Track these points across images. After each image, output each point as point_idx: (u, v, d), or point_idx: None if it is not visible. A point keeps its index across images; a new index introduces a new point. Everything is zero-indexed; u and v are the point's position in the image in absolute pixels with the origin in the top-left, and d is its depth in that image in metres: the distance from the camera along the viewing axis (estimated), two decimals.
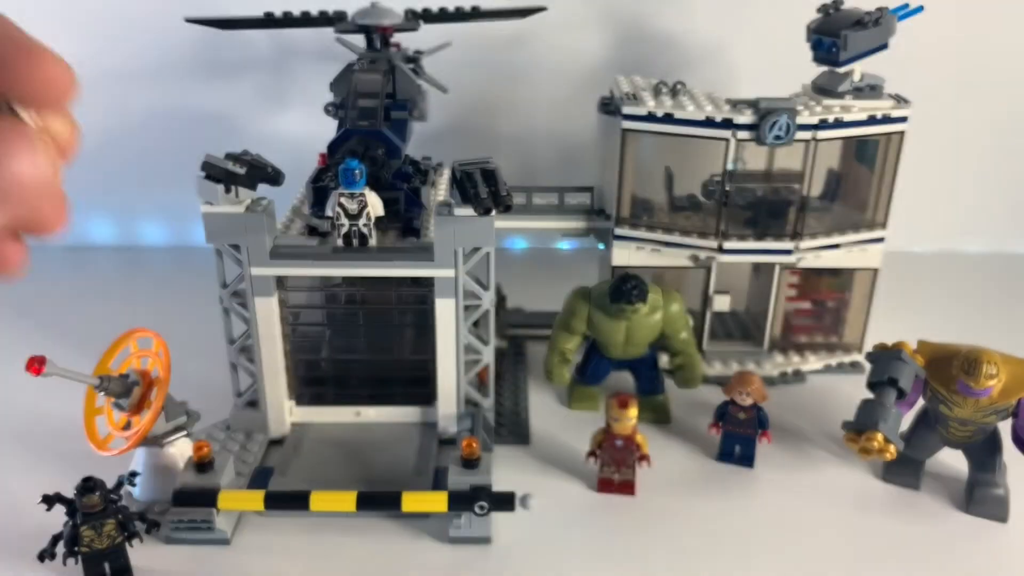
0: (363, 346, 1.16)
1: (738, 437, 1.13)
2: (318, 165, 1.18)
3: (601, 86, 1.40)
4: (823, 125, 1.18)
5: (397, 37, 1.20)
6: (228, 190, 1.03)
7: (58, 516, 0.90)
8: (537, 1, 1.30)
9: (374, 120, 1.10)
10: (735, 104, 1.20)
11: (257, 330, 1.10)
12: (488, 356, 1.14)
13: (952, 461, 1.11)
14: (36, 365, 0.89)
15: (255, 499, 0.98)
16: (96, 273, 1.73)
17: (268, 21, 1.22)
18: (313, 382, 1.18)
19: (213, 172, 1.02)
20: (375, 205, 1.05)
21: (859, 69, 1.22)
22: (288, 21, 1.21)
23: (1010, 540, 1.02)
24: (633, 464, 1.07)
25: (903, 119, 1.22)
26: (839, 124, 1.19)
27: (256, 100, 1.68)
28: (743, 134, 1.17)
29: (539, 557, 0.98)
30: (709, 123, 1.18)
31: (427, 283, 1.09)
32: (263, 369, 1.13)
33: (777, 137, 1.16)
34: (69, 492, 0.90)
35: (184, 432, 1.04)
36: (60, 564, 0.90)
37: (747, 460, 1.13)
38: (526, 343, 1.42)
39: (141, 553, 0.95)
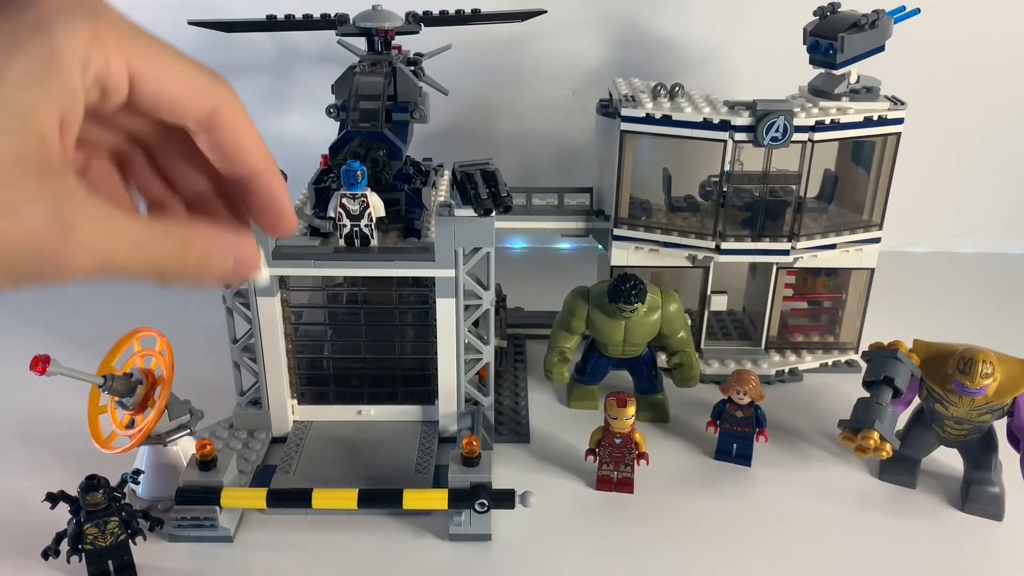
0: (364, 345, 1.17)
1: (735, 435, 1.14)
2: (320, 166, 1.19)
3: (600, 88, 1.41)
4: (820, 127, 1.19)
5: (398, 40, 1.21)
6: None
7: (62, 514, 0.91)
8: (537, 4, 1.31)
9: (375, 122, 1.11)
10: (732, 106, 1.21)
11: (260, 330, 1.11)
12: (488, 355, 1.15)
13: (948, 460, 1.12)
14: (40, 364, 0.90)
15: (258, 497, 0.99)
16: None
17: (270, 24, 1.23)
18: (315, 381, 1.19)
19: None
20: (376, 206, 1.06)
21: (856, 71, 1.23)
22: (290, 24, 1.22)
23: (1005, 538, 1.03)
24: (632, 462, 1.08)
25: (899, 121, 1.23)
26: (835, 126, 1.20)
27: (258, 102, 1.69)
28: (740, 136, 1.18)
29: (539, 554, 0.99)
30: (707, 125, 1.19)
31: (428, 283, 1.11)
32: (266, 368, 1.14)
33: (774, 139, 1.17)
34: (73, 490, 0.91)
35: (187, 431, 1.05)
36: (64, 562, 0.91)
37: (744, 458, 1.14)
38: (526, 342, 1.43)
39: (144, 551, 0.96)
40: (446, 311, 1.10)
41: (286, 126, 1.70)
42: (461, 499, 0.97)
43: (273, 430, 1.17)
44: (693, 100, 1.23)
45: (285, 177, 1.17)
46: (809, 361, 1.37)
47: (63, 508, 0.90)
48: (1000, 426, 1.05)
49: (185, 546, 0.99)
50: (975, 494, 1.06)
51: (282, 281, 1.11)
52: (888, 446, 1.00)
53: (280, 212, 0.43)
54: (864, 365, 1.09)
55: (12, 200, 0.31)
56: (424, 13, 1.24)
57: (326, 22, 1.21)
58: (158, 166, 0.44)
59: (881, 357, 1.05)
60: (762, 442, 1.14)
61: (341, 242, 1.07)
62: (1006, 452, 1.05)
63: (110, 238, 0.35)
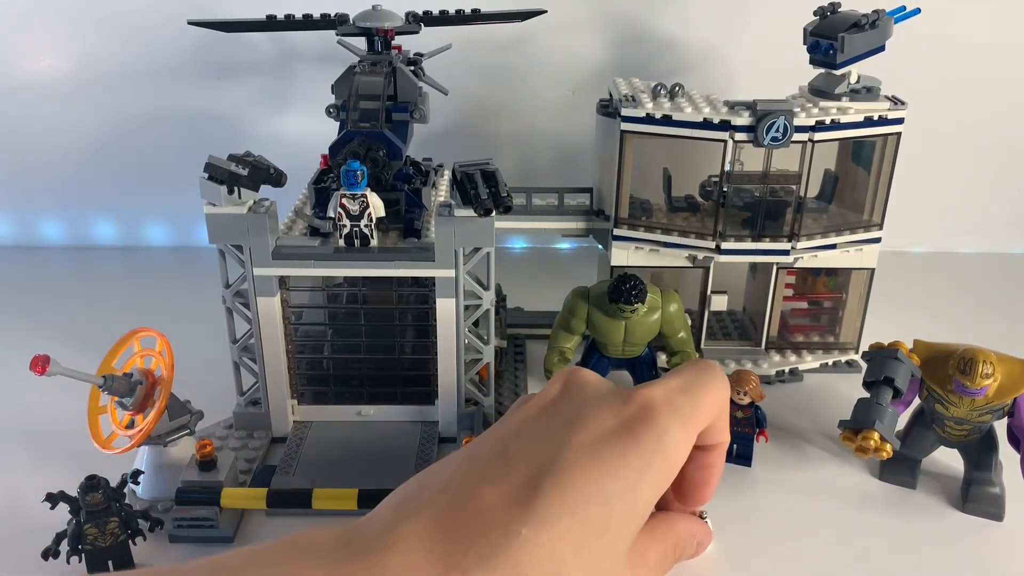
0: (364, 345, 1.17)
1: (736, 435, 1.13)
2: (320, 166, 1.19)
3: (600, 88, 1.41)
4: (820, 127, 1.19)
5: (398, 40, 1.21)
6: (231, 191, 1.04)
7: (62, 514, 0.91)
8: (537, 4, 1.31)
9: (375, 122, 1.11)
10: (733, 106, 1.21)
11: (259, 330, 1.11)
12: (488, 355, 1.15)
13: (948, 460, 1.12)
14: (40, 365, 0.90)
15: (257, 497, 0.99)
16: (100, 273, 1.74)
17: (270, 24, 1.23)
18: (315, 381, 1.19)
19: (216, 173, 1.03)
20: (376, 206, 1.06)
21: (856, 71, 1.23)
22: (290, 24, 1.22)
23: (1006, 538, 1.03)
24: None
25: (899, 121, 1.22)
26: (836, 126, 1.20)
27: (258, 102, 1.69)
28: (741, 136, 1.18)
29: None
30: (707, 125, 1.19)
31: (428, 283, 1.11)
32: (265, 368, 1.14)
33: (774, 139, 1.17)
34: (73, 490, 0.91)
35: (187, 431, 1.05)
36: (64, 562, 0.91)
37: (744, 458, 1.14)
38: (526, 342, 1.43)
39: (144, 551, 0.95)
40: (446, 311, 1.10)
41: (286, 126, 1.70)
42: None
43: (273, 430, 1.17)
44: (693, 100, 1.23)
45: (284, 177, 1.16)
46: (809, 361, 1.37)
47: (63, 508, 0.90)
48: (1000, 426, 1.05)
49: (185, 546, 0.99)
50: (975, 494, 1.06)
51: (282, 281, 1.11)
52: (888, 446, 1.00)
53: (713, 480, 0.51)
54: (864, 365, 1.08)
55: (608, 562, 0.41)
56: (424, 13, 1.24)
57: (326, 22, 1.21)
58: None
59: (881, 357, 1.05)
60: (762, 442, 1.14)
61: (341, 242, 1.07)
62: (1006, 452, 1.05)
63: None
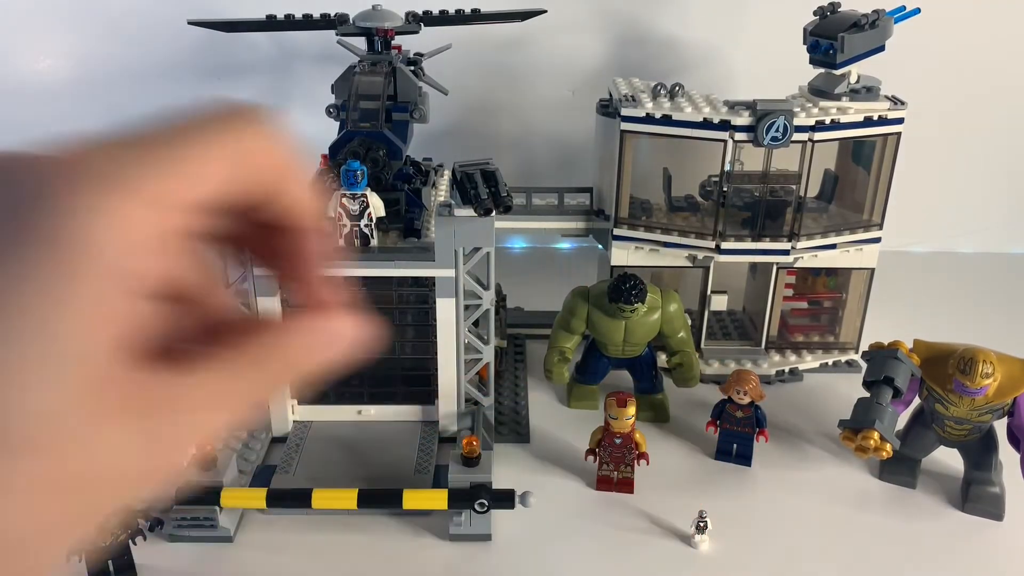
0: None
1: (736, 435, 1.14)
2: (320, 166, 1.19)
3: (600, 88, 1.41)
4: (820, 127, 1.19)
5: (398, 39, 1.21)
6: None
7: None
8: (537, 4, 1.31)
9: (375, 122, 1.11)
10: (732, 106, 1.21)
11: None
12: (488, 355, 1.15)
13: (948, 460, 1.12)
14: None
15: (258, 497, 0.99)
16: None
17: (270, 24, 1.23)
18: (315, 381, 1.19)
19: None
20: (376, 206, 1.06)
21: (856, 71, 1.23)
22: (290, 24, 1.22)
23: (1006, 538, 1.03)
24: (632, 462, 1.08)
25: (899, 121, 1.22)
26: (836, 126, 1.20)
27: (258, 102, 1.69)
28: (740, 135, 1.18)
29: (539, 554, 0.99)
30: (707, 125, 1.19)
31: (428, 283, 1.11)
32: None
33: (774, 138, 1.17)
34: None
35: None
36: (63, 561, 0.91)
37: (744, 458, 1.14)
38: (526, 342, 1.43)
39: (144, 551, 0.95)
40: (446, 311, 1.10)
41: (286, 126, 1.70)
42: (461, 499, 0.97)
43: (273, 430, 1.17)
44: (693, 100, 1.23)
45: None
46: (809, 361, 1.37)
47: None
48: (1000, 426, 1.05)
49: (185, 546, 0.99)
50: (975, 494, 1.06)
51: None
52: (888, 446, 1.00)
53: (311, 258, 0.31)
54: (864, 365, 1.09)
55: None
56: (424, 13, 1.24)
57: (326, 22, 1.21)
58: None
59: (881, 357, 1.05)
60: (762, 442, 1.14)
61: (341, 242, 1.07)
62: (1006, 452, 1.05)
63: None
